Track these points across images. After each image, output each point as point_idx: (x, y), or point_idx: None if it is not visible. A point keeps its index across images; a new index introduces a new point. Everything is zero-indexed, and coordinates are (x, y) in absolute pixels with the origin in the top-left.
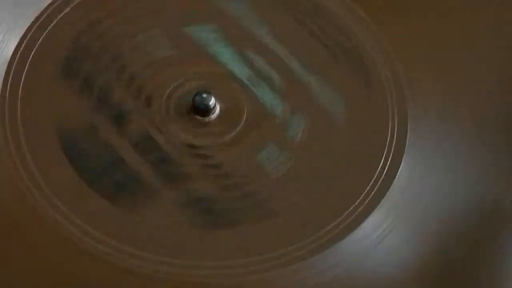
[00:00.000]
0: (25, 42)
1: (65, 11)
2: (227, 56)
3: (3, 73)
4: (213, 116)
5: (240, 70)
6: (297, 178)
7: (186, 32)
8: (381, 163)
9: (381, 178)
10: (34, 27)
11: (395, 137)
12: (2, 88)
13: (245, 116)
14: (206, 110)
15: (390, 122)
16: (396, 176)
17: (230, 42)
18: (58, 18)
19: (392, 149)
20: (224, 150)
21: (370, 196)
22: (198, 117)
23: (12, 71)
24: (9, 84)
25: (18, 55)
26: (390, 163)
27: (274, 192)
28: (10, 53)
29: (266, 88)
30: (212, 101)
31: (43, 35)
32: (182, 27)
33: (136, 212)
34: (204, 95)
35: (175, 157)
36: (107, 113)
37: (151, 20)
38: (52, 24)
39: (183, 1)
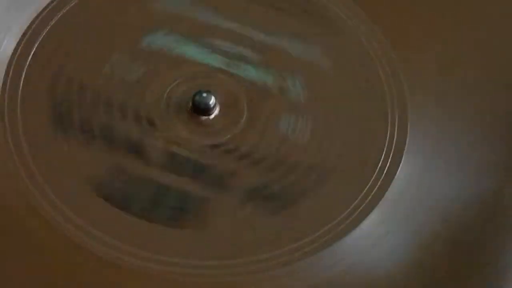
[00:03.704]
0: (24, 42)
1: (63, 11)
2: (192, 52)
3: (2, 74)
4: (215, 113)
5: (213, 60)
6: (326, 131)
7: (144, 45)
8: (381, 163)
9: (381, 178)
10: (33, 27)
11: (395, 137)
12: (1, 88)
13: (245, 104)
14: (207, 109)
15: (389, 122)
16: (396, 176)
17: (188, 38)
18: (57, 18)
19: (392, 149)
20: (244, 137)
21: (370, 195)
22: (200, 116)
23: (11, 72)
24: (8, 84)
25: (17, 55)
26: (389, 163)
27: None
28: (10, 53)
29: (245, 66)
30: (212, 100)
31: (42, 35)
32: (138, 42)
33: (203, 228)
34: (204, 95)
35: (207, 162)
36: (123, 151)
37: (107, 47)
38: (50, 24)
39: (127, 19)
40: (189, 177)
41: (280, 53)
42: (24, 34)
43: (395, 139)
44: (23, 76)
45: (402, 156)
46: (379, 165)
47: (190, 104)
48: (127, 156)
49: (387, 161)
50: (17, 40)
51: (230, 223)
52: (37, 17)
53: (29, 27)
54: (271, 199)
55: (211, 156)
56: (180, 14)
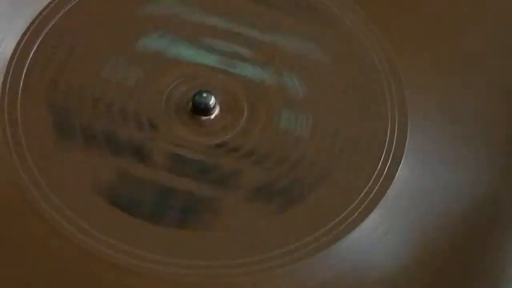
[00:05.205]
0: (24, 42)
1: (63, 11)
2: (188, 53)
3: (2, 74)
4: (215, 113)
5: (208, 60)
6: (326, 130)
7: (140, 48)
8: (381, 163)
9: (381, 178)
10: (33, 27)
11: (395, 137)
12: (1, 89)
13: (245, 102)
14: (207, 109)
15: (389, 122)
16: (396, 176)
17: (183, 39)
18: (56, 19)
19: (392, 149)
20: (245, 136)
21: (370, 195)
22: (200, 117)
23: (11, 72)
24: (8, 85)
25: (16, 55)
26: (389, 163)
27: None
28: (10, 53)
29: (242, 64)
30: (212, 100)
31: (42, 35)
32: (133, 45)
33: (207, 229)
34: (204, 95)
35: (211, 162)
36: (126, 154)
37: (106, 48)
38: (50, 24)
39: (125, 21)
40: (193, 177)
41: (276, 49)
42: (24, 34)
43: (395, 139)
44: (23, 76)
45: (402, 156)
46: (379, 165)
47: (190, 104)
48: (129, 159)
49: (387, 161)
50: (17, 40)
51: (233, 223)
52: (37, 17)
53: (29, 27)
54: (273, 198)
55: (214, 156)
56: (175, 15)
